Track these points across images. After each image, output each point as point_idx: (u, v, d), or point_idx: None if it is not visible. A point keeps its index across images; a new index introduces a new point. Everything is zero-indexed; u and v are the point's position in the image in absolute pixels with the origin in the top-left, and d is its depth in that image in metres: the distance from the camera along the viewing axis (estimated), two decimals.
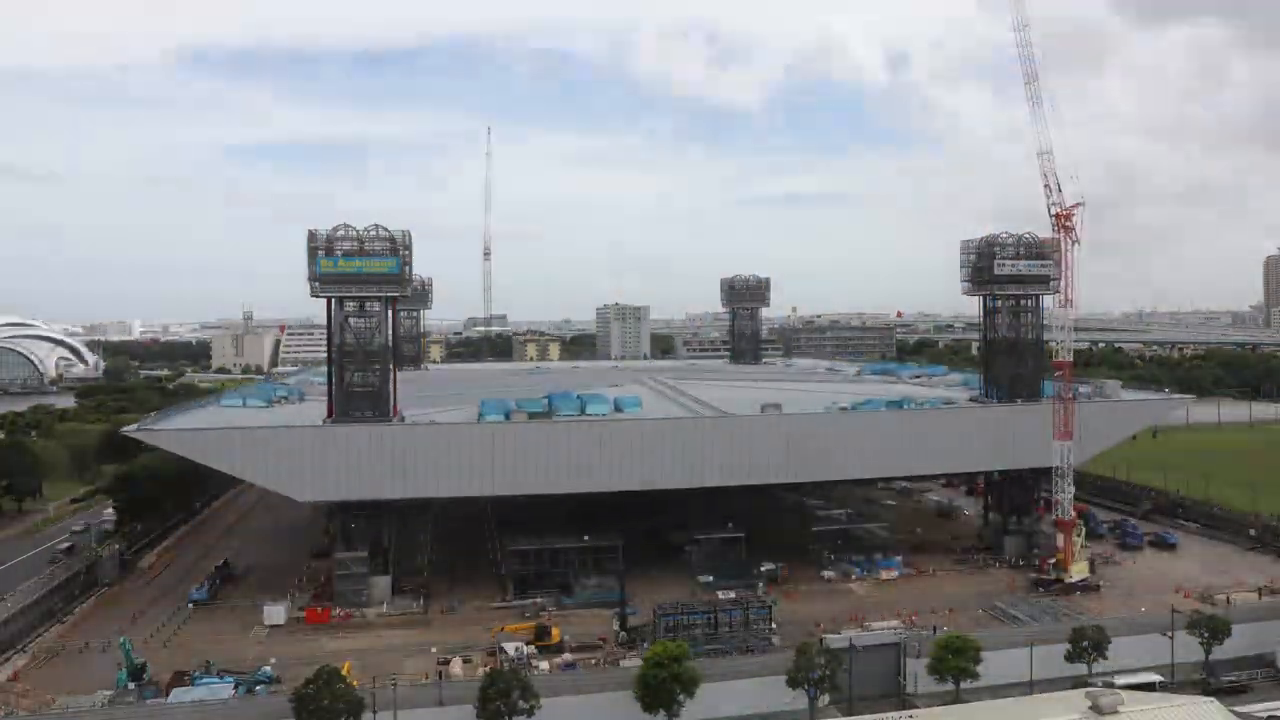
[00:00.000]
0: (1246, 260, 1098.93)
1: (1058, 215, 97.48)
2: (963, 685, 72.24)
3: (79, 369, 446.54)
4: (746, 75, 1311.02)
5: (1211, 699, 59.81)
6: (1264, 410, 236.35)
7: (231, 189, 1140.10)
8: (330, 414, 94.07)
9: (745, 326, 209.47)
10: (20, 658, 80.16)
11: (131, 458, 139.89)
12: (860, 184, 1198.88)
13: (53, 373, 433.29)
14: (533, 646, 78.78)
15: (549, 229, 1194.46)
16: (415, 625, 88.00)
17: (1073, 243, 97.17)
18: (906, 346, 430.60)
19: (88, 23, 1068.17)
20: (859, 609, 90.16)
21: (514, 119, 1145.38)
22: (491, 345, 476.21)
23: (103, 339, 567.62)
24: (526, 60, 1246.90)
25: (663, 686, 65.97)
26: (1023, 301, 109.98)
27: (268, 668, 74.19)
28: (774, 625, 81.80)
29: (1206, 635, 78.00)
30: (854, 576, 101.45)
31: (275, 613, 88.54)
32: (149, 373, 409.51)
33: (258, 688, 70.72)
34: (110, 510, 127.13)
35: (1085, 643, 74.64)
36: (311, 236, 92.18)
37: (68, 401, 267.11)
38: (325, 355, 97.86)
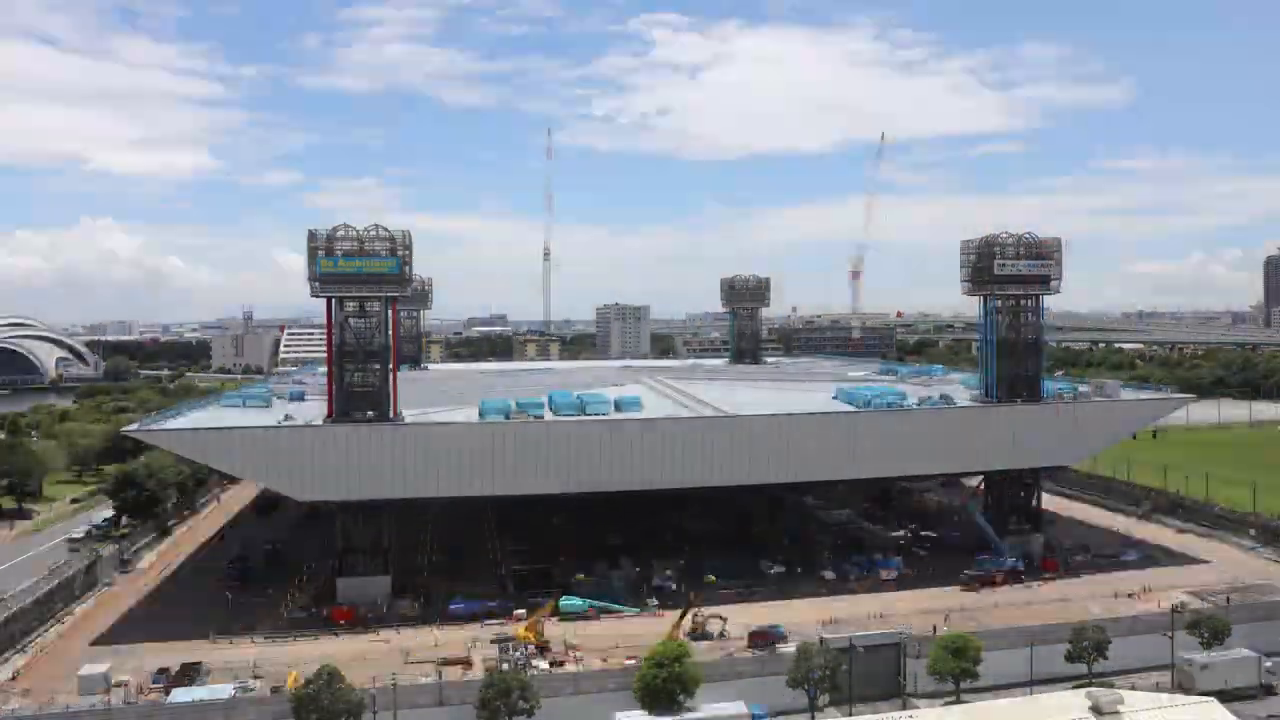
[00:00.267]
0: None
1: None
2: (963, 685, 72.25)
3: (79, 369, 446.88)
4: None
5: (1211, 699, 59.80)
6: (1264, 410, 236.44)
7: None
8: (330, 414, 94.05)
9: (746, 326, 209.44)
10: (20, 657, 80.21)
11: (132, 457, 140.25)
12: None
13: (53, 373, 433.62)
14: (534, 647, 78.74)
15: None
16: (415, 625, 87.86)
17: None
18: (906, 346, 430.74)
19: None
20: (858, 608, 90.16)
21: None
22: (492, 345, 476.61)
23: (103, 339, 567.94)
24: None
25: (663, 687, 65.96)
26: (1023, 301, 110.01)
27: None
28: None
29: (1207, 635, 78.08)
30: (853, 577, 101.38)
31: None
32: (149, 373, 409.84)
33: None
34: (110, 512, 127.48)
35: (1085, 643, 74.68)
36: (311, 236, 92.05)
37: (68, 401, 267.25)
38: (325, 355, 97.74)
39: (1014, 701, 66.44)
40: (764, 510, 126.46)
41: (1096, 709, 53.78)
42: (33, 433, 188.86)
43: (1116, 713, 53.57)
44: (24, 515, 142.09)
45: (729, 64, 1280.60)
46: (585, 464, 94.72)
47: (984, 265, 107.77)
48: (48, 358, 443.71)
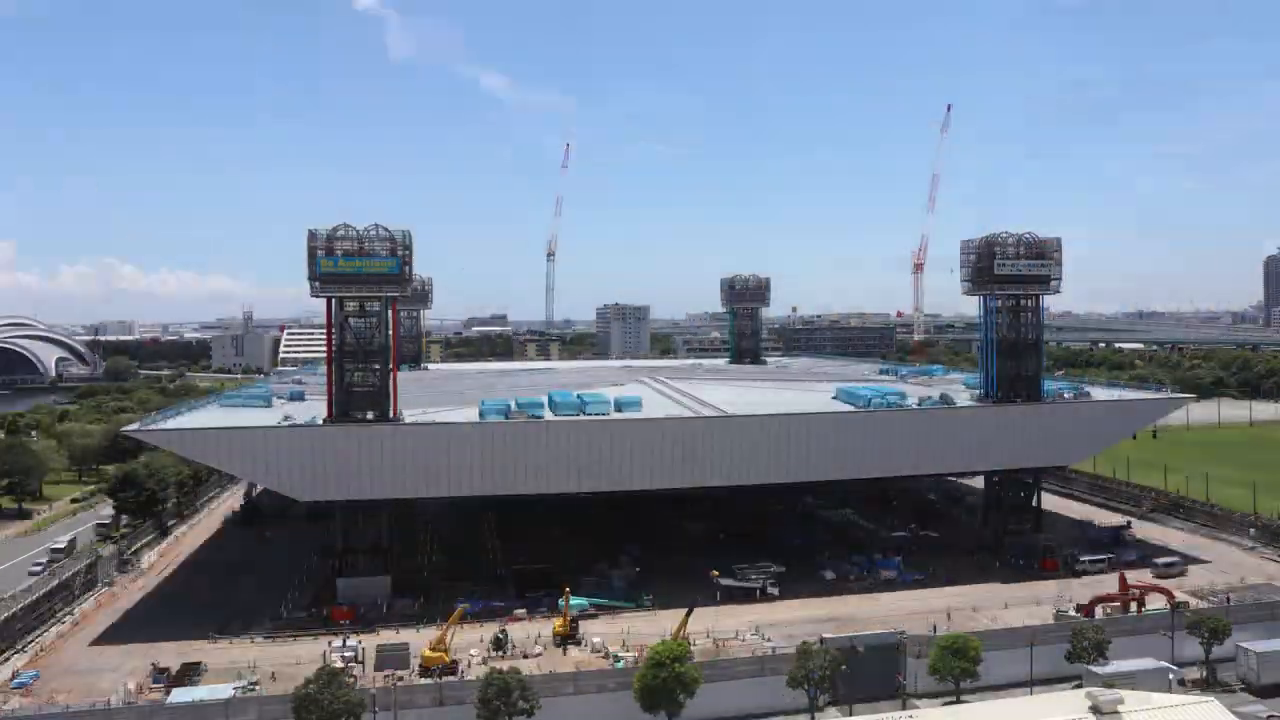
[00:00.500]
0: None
1: None
2: (963, 685, 72.22)
3: (79, 369, 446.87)
4: None
5: (1211, 699, 59.61)
6: (1264, 410, 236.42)
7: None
8: (330, 414, 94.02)
9: (746, 326, 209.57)
10: (20, 657, 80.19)
11: (132, 457, 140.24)
12: None
13: (53, 373, 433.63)
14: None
15: None
16: (415, 625, 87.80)
17: None
18: (907, 346, 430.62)
19: None
20: (857, 609, 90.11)
21: None
22: (492, 345, 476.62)
23: (103, 339, 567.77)
24: None
25: (663, 687, 65.89)
26: (1023, 301, 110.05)
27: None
28: None
29: (1207, 635, 78.02)
30: (853, 577, 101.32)
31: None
32: (149, 373, 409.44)
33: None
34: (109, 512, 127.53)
35: (1085, 643, 74.63)
36: (312, 236, 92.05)
37: (68, 402, 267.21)
38: (325, 355, 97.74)
39: (1014, 701, 66.36)
40: (764, 510, 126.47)
41: (1096, 709, 53.63)
42: (33, 433, 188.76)
43: (1116, 713, 53.39)
44: (24, 515, 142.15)
45: None
46: (585, 464, 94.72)
47: (984, 265, 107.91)
48: (48, 358, 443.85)
